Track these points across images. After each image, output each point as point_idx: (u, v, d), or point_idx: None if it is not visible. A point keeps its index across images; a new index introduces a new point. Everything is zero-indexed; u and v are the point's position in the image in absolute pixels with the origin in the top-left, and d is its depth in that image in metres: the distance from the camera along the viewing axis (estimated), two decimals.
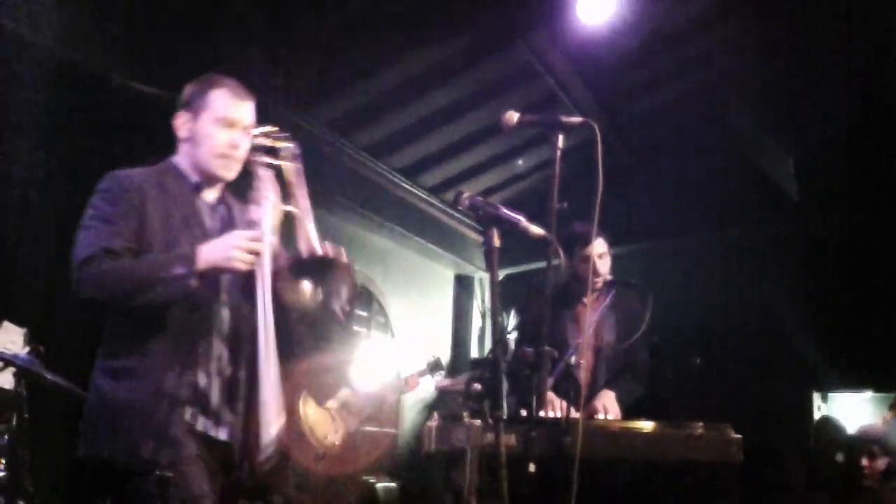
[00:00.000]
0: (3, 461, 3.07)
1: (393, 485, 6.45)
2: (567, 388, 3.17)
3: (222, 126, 2.33)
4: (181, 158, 2.41)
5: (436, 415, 3.14)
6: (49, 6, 4.14)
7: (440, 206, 7.70)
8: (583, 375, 3.71)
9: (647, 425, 3.16)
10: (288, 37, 4.95)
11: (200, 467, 2.21)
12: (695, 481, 3.11)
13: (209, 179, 2.40)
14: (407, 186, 7.28)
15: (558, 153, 2.52)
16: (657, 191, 7.47)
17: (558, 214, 2.46)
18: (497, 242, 2.35)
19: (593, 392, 3.76)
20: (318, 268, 2.22)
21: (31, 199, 4.34)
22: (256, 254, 2.18)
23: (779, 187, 6.99)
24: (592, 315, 3.76)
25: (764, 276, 7.14)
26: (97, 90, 4.38)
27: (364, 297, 7.44)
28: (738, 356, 7.00)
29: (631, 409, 3.73)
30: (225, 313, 2.34)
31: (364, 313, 7.54)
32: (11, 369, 3.27)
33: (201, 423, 2.25)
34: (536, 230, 2.40)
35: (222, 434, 2.29)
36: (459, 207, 2.49)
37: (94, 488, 2.28)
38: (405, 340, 7.86)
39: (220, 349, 2.31)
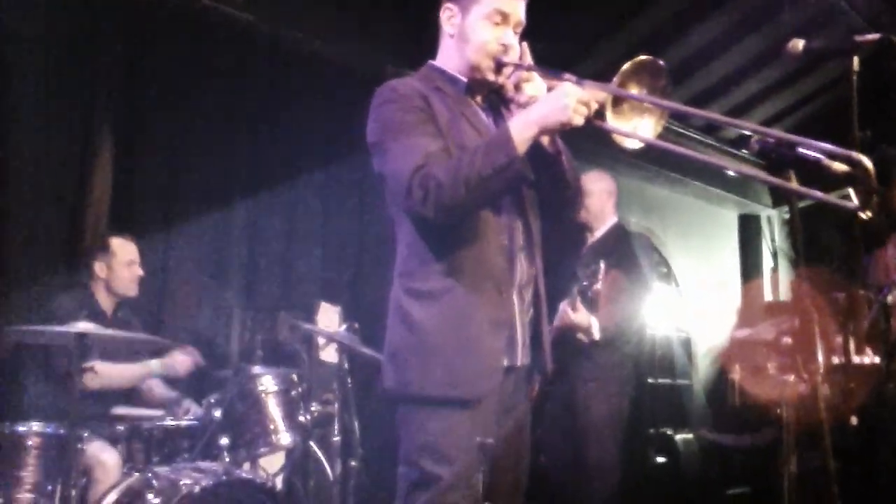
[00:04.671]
0: (336, 427, 3.43)
1: (690, 436, 6.32)
2: (886, 332, 2.90)
3: (493, 23, 2.11)
4: (445, 59, 2.21)
5: (738, 367, 3.01)
6: None
7: (716, 144, 7.32)
8: None
9: None
10: None
11: (495, 401, 2.03)
12: None
13: (476, 83, 2.17)
14: (680, 129, 7.00)
15: (854, 79, 2.27)
16: None
17: (861, 143, 2.22)
18: (794, 185, 2.18)
19: None
20: None
21: None
22: (588, 106, 1.92)
23: None
24: None
25: None
26: None
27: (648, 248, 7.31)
28: None
29: None
30: (518, 222, 2.14)
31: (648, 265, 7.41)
32: (334, 345, 3.64)
33: (509, 349, 2.06)
34: (840, 166, 2.18)
35: (524, 358, 2.11)
36: (746, 151, 2.32)
37: (400, 433, 2.09)
38: (691, 289, 7.62)
39: (523, 264, 2.12)
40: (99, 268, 3.55)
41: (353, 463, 3.54)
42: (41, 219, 3.83)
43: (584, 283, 3.41)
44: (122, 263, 3.56)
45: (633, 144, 1.97)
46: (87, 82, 4.00)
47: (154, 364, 3.51)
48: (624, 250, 3.80)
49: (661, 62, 1.97)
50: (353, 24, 4.81)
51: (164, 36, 4.29)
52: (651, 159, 6.77)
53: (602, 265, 3.35)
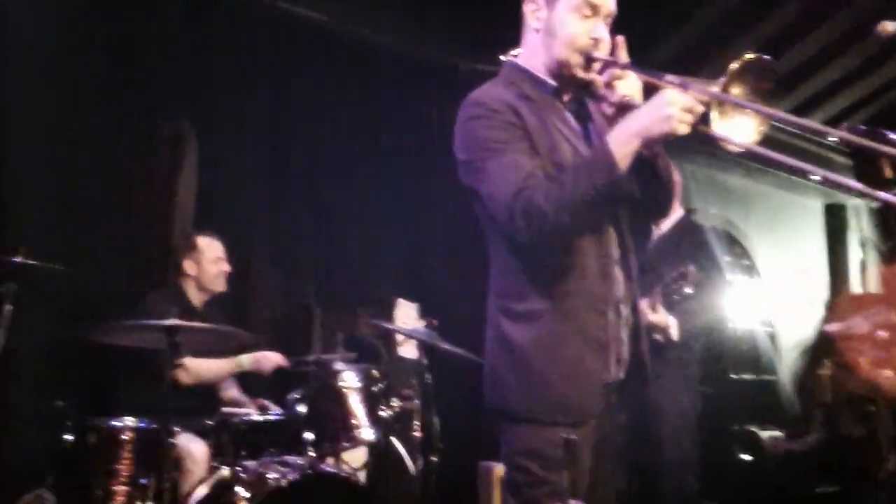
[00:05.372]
0: (417, 422, 3.46)
1: (778, 433, 6.15)
2: None
3: (582, 15, 1.98)
4: (529, 57, 2.09)
5: (828, 362, 2.91)
6: None
7: (799, 132, 7.09)
8: None
9: None
10: None
11: (594, 427, 1.98)
12: None
13: (565, 80, 2.05)
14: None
15: None
16: None
17: None
18: (889, 174, 2.07)
19: None
20: None
21: None
22: (693, 113, 1.77)
23: None
24: None
25: None
26: None
27: (726, 241, 7.13)
28: None
29: None
30: (612, 232, 2.05)
31: (727, 258, 7.24)
32: (413, 342, 3.68)
33: (610, 367, 1.99)
34: None
35: (621, 372, 2.04)
36: (831, 139, 2.19)
37: (501, 439, 2.05)
38: (775, 281, 7.41)
39: (619, 277, 2.05)
40: (188, 265, 3.66)
41: (433, 458, 3.57)
42: (133, 222, 3.98)
43: (671, 285, 3.33)
44: (210, 260, 3.67)
45: (736, 146, 1.83)
46: (174, 92, 4.14)
47: (244, 359, 3.58)
48: (695, 244, 3.70)
49: (773, 63, 1.81)
50: (429, 20, 4.85)
51: (245, 39, 4.40)
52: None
53: (691, 268, 3.26)
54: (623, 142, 1.81)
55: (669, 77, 1.86)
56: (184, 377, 3.33)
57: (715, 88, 1.76)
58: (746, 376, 6.63)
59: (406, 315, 4.35)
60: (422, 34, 4.81)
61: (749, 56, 1.78)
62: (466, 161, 2.00)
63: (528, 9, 2.08)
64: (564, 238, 1.92)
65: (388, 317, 4.27)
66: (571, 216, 1.82)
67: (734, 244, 7.32)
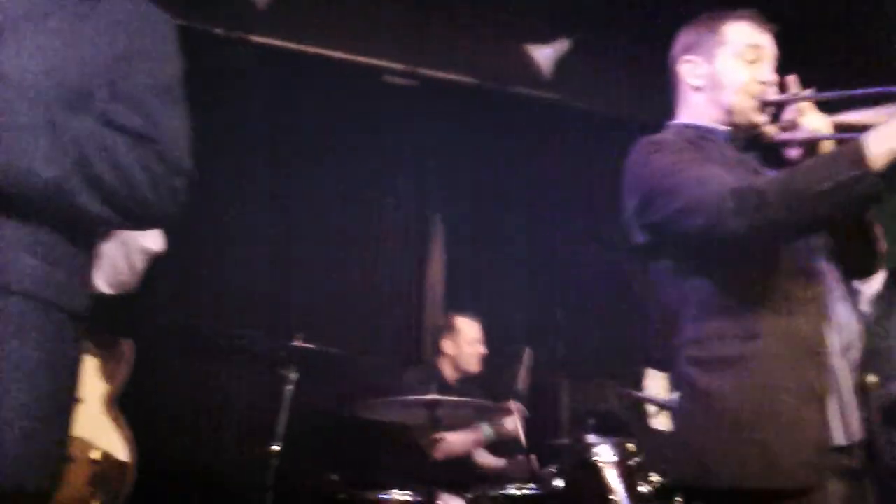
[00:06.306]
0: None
1: None
2: None
3: (747, 60, 1.90)
4: (693, 116, 1.97)
5: None
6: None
7: None
8: None
9: None
10: None
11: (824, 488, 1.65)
12: None
13: (739, 128, 1.92)
14: None
15: None
16: None
17: None
18: None
19: None
20: None
21: None
22: None
23: None
24: None
25: None
26: None
27: None
28: None
29: None
30: (831, 264, 1.85)
31: None
32: (665, 413, 3.57)
33: (837, 424, 1.70)
34: None
35: (856, 433, 1.73)
36: None
37: None
38: None
39: (842, 315, 1.80)
40: (447, 345, 3.83)
41: None
42: (385, 304, 4.27)
43: None
44: (467, 341, 3.82)
45: None
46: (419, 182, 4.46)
47: (485, 428, 3.66)
48: None
49: None
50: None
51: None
52: None
53: None
54: (882, 138, 1.57)
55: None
56: (438, 451, 3.46)
57: None
58: None
59: (656, 385, 4.24)
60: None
61: None
62: (649, 191, 1.80)
63: (683, 70, 1.98)
64: (784, 233, 1.68)
65: (637, 387, 4.18)
66: (798, 206, 1.59)
67: None
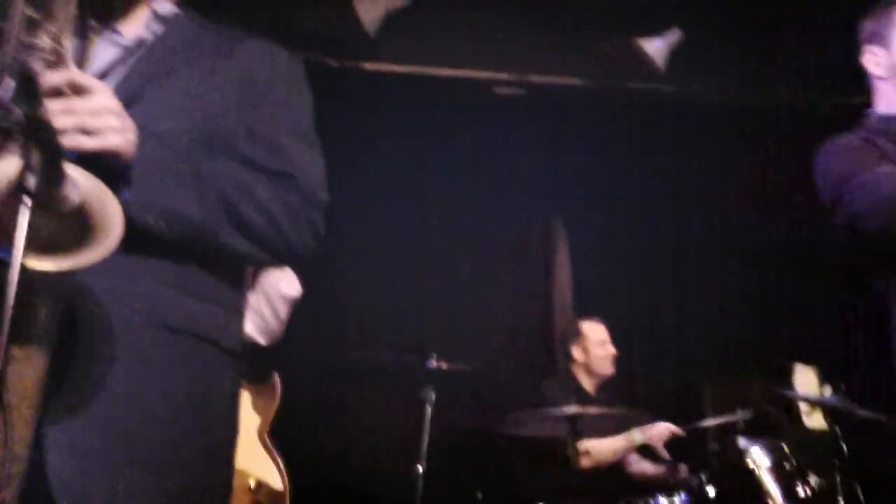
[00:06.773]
0: (842, 500, 3.14)
1: None
2: None
3: None
4: (882, 104, 2.00)
5: None
6: None
7: None
8: None
9: None
10: None
11: None
12: None
13: None
14: None
15: None
16: None
17: None
18: None
19: None
20: None
21: None
22: None
23: None
24: None
25: None
26: None
27: None
28: None
29: None
30: None
31: None
32: (818, 410, 3.39)
33: None
34: None
35: None
36: None
37: None
38: None
39: None
40: (576, 351, 3.79)
41: None
42: (517, 314, 4.27)
43: None
44: (596, 344, 3.76)
45: None
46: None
47: (635, 433, 3.58)
48: None
49: None
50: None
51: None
52: None
53: None
54: None
55: None
56: (585, 461, 3.40)
57: None
58: None
59: (807, 381, 4.03)
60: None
61: None
62: (835, 184, 1.85)
63: (868, 62, 1.99)
64: None
65: (787, 384, 3.99)
66: None
67: None
